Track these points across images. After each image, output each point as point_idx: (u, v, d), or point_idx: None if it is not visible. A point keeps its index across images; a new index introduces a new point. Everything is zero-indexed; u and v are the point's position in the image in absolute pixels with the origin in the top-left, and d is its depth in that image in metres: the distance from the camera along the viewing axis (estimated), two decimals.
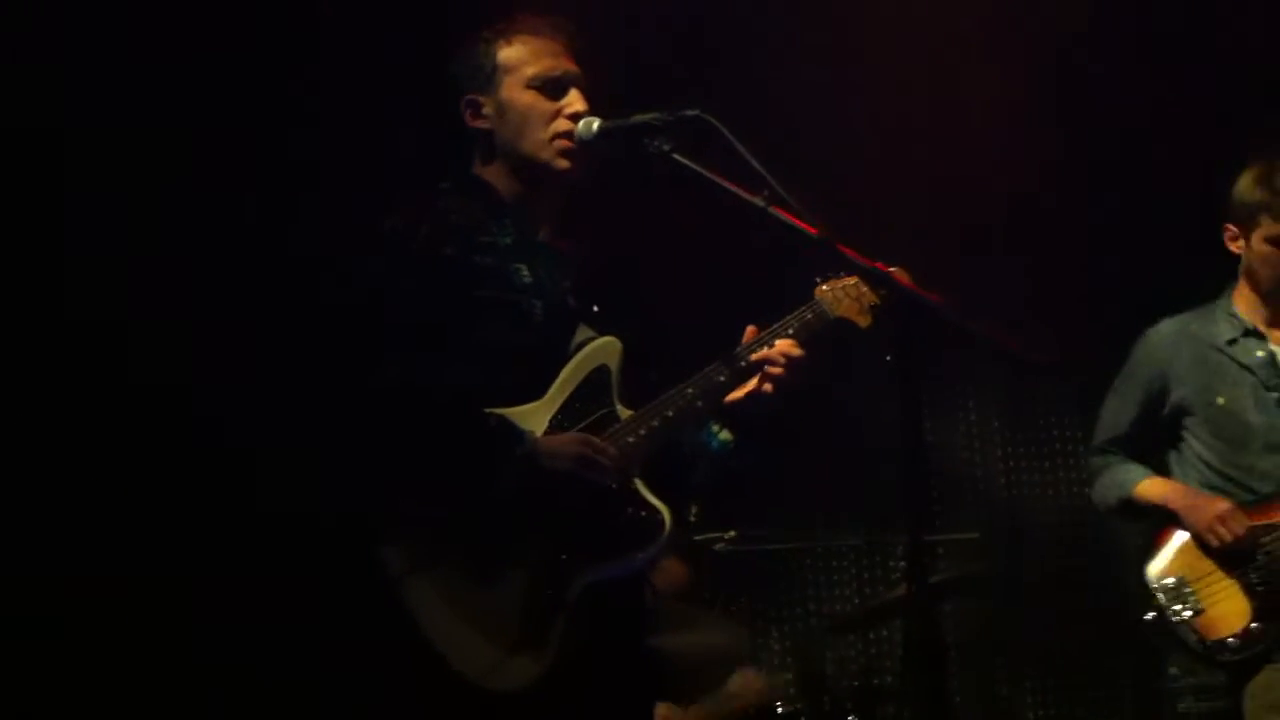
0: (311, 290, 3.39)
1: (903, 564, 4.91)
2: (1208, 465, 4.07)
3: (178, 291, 4.25)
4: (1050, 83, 5.52)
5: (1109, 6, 5.35)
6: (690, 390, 2.78)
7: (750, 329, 2.88)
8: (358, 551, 2.63)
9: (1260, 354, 4.06)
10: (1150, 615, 3.94)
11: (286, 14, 4.41)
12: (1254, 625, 3.83)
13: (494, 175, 2.90)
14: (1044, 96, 5.55)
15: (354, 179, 4.35)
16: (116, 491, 4.13)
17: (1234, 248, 4.08)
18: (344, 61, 4.52)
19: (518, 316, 2.76)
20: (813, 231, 2.53)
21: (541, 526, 2.61)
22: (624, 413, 2.78)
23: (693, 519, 4.57)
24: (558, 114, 2.84)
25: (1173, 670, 4.24)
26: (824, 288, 2.94)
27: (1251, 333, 4.08)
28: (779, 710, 4.89)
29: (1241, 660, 3.83)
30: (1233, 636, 3.83)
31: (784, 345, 2.84)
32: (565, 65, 2.87)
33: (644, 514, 2.69)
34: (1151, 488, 4.11)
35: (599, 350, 2.81)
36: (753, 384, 2.84)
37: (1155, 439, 4.18)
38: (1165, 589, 3.93)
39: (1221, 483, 4.03)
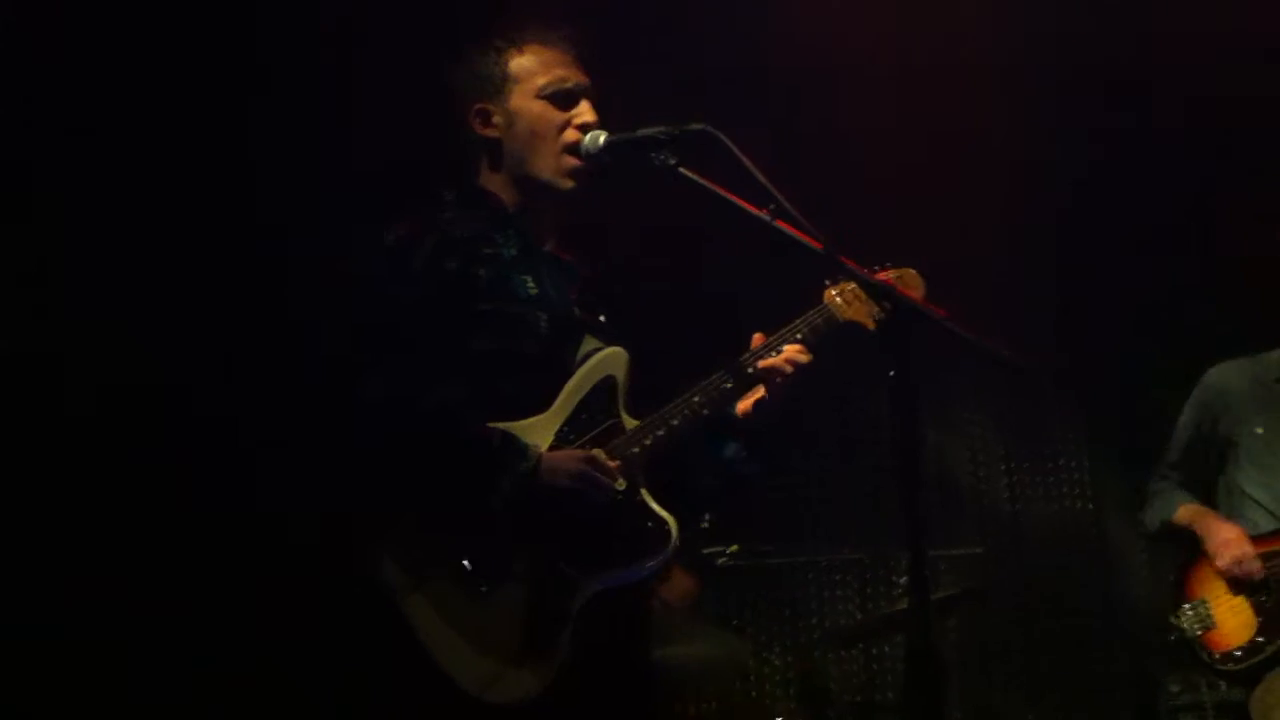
0: (314, 304, 3.39)
1: (904, 579, 4.89)
2: (1244, 492, 4.28)
3: (178, 301, 4.25)
4: (1050, 85, 5.53)
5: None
6: (697, 399, 2.77)
7: (758, 335, 2.86)
8: (358, 563, 2.62)
9: None
10: (1172, 635, 4.20)
11: (290, 21, 4.41)
12: (1258, 639, 4.06)
13: (499, 185, 2.90)
14: (1045, 100, 5.56)
15: (357, 190, 4.35)
16: (112, 503, 4.12)
17: None
18: (348, 70, 4.52)
19: (523, 328, 2.75)
20: (817, 245, 2.54)
21: (544, 540, 2.60)
22: (630, 423, 2.77)
23: (705, 526, 4.56)
24: (567, 125, 2.84)
25: (1173, 687, 4.40)
26: (833, 291, 2.92)
27: None
28: None
29: (1243, 670, 4.08)
30: (1239, 649, 4.07)
31: (792, 351, 2.82)
32: (576, 77, 2.88)
33: (650, 524, 2.69)
34: (1185, 513, 4.35)
35: (605, 361, 2.80)
36: (760, 391, 2.83)
37: (1209, 467, 4.41)
38: (1187, 610, 4.20)
39: (1252, 509, 4.25)
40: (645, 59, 4.79)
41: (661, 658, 2.98)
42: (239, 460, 4.23)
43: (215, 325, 4.26)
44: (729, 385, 2.80)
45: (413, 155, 4.10)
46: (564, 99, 2.86)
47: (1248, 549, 4.12)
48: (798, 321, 2.88)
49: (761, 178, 2.53)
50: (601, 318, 2.89)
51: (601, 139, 2.81)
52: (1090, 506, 6.10)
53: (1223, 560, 4.13)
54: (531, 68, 2.88)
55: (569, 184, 2.84)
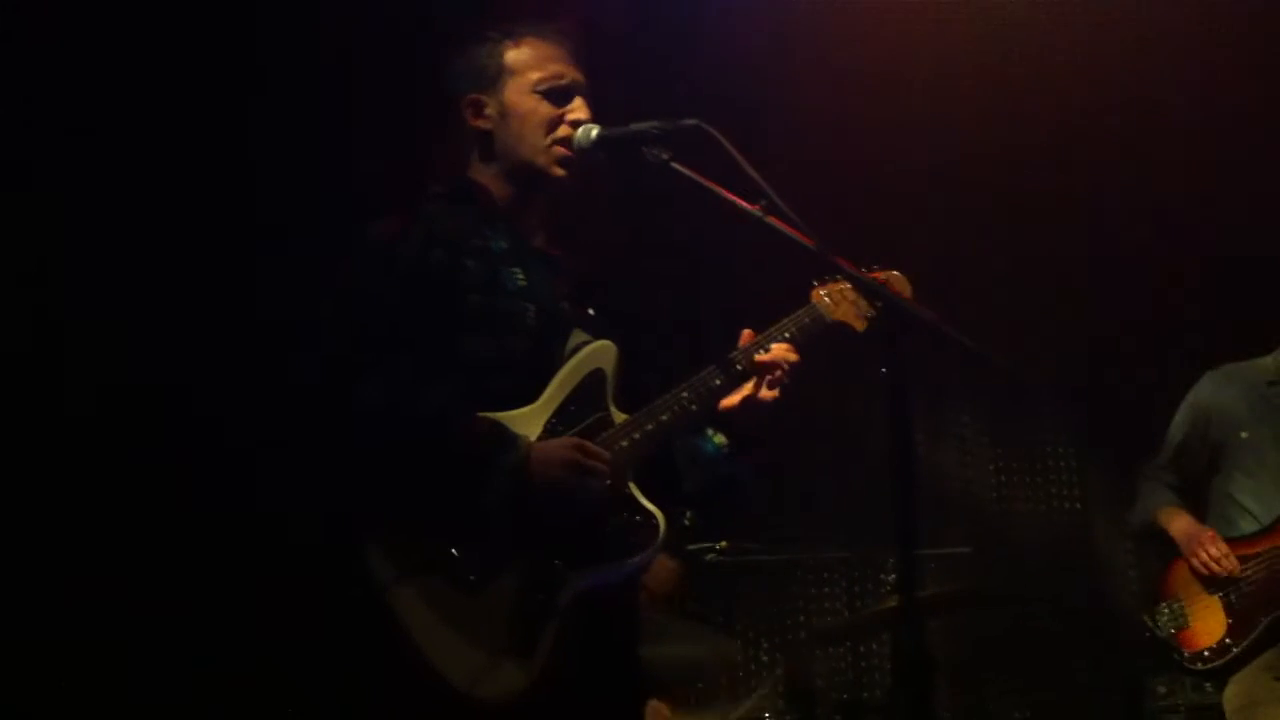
0: (298, 299, 3.38)
1: (892, 577, 4.90)
2: (1226, 495, 4.36)
3: (177, 301, 4.24)
4: (1051, 89, 5.54)
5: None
6: (686, 394, 2.77)
7: (746, 333, 2.87)
8: (345, 557, 2.61)
9: None
10: (1147, 633, 4.29)
11: (283, 20, 4.40)
12: (1226, 640, 4.14)
13: (489, 178, 2.89)
14: (1044, 108, 5.57)
15: (344, 184, 4.34)
16: (111, 503, 4.11)
17: None
18: (337, 66, 4.51)
19: (512, 320, 2.75)
20: (809, 242, 2.54)
21: (533, 532, 2.59)
22: (619, 417, 2.77)
23: (687, 524, 4.56)
24: (560, 120, 2.84)
25: (1159, 688, 4.46)
26: (821, 291, 2.94)
27: None
28: None
29: (1213, 670, 4.17)
30: (1208, 649, 4.16)
31: (780, 350, 2.83)
32: (572, 73, 2.87)
33: (638, 519, 2.68)
34: (1165, 515, 4.42)
35: (594, 354, 2.79)
36: (749, 388, 2.83)
37: (1199, 471, 4.48)
38: (1162, 608, 4.28)
39: (1234, 512, 4.32)
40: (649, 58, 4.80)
41: (649, 655, 2.96)
42: (234, 460, 4.22)
43: (212, 325, 4.25)
44: (718, 382, 2.80)
45: (411, 154, 4.11)
46: (558, 95, 2.85)
47: (1220, 546, 4.18)
48: (786, 320, 2.89)
49: (753, 173, 2.53)
50: (590, 311, 2.88)
51: (594, 133, 2.80)
52: (1078, 507, 6.11)
53: (1196, 559, 4.20)
54: (527, 61, 2.87)
55: (560, 172, 2.84)
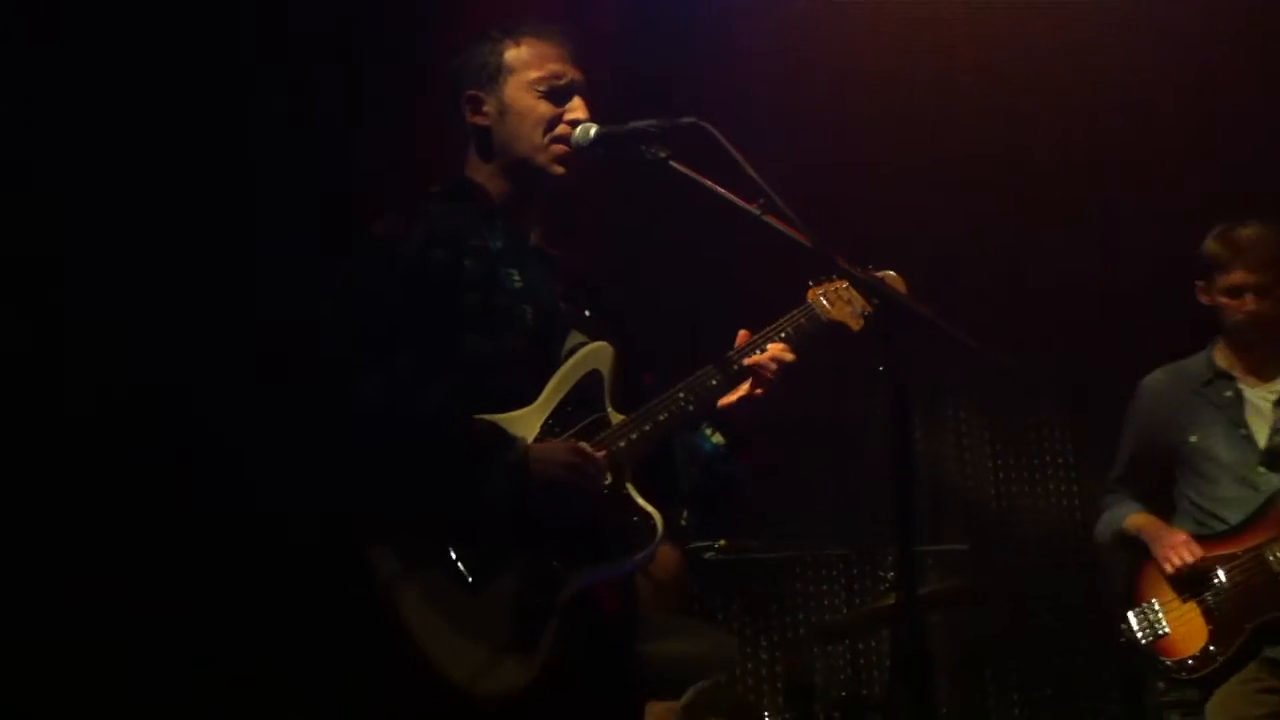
0: (297, 298, 3.38)
1: (891, 574, 4.90)
2: (1189, 500, 4.34)
3: (165, 298, 4.24)
4: (1051, 89, 5.55)
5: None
6: (682, 394, 2.78)
7: (743, 333, 2.88)
8: (346, 556, 2.61)
9: (1229, 394, 4.34)
10: (1122, 639, 4.26)
11: (285, 19, 4.40)
12: (1210, 648, 4.09)
13: (487, 176, 2.90)
14: (1045, 105, 5.57)
15: (343, 183, 4.34)
16: (100, 495, 4.11)
17: (1203, 300, 4.40)
18: (335, 64, 4.51)
19: (509, 320, 2.75)
20: (806, 240, 2.54)
21: (532, 532, 2.60)
22: (616, 417, 2.77)
23: (683, 523, 4.57)
24: (559, 119, 2.84)
25: (1160, 684, 4.43)
26: (817, 291, 2.95)
27: (1222, 375, 4.37)
28: (766, 718, 4.90)
29: (1200, 678, 4.11)
30: (1191, 657, 4.11)
31: (776, 349, 2.84)
32: (571, 73, 2.88)
33: (636, 518, 2.69)
34: (1133, 521, 4.41)
35: (591, 355, 2.80)
36: (745, 388, 2.84)
37: (1159, 478, 4.47)
38: (1137, 613, 4.25)
39: (1201, 515, 4.30)
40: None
41: (647, 653, 2.97)
42: (235, 459, 4.22)
43: (212, 325, 4.25)
44: (714, 382, 2.81)
45: (410, 153, 4.12)
46: (557, 94, 2.86)
47: (1195, 550, 4.15)
48: (782, 320, 2.90)
49: (752, 172, 2.54)
50: (587, 312, 2.89)
51: (592, 131, 2.81)
52: (1077, 504, 6.11)
53: (1171, 564, 4.16)
54: (527, 60, 2.88)
55: (559, 169, 2.85)
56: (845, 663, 5.77)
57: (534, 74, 2.86)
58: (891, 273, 2.90)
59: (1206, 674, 4.07)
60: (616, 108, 2.84)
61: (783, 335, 2.87)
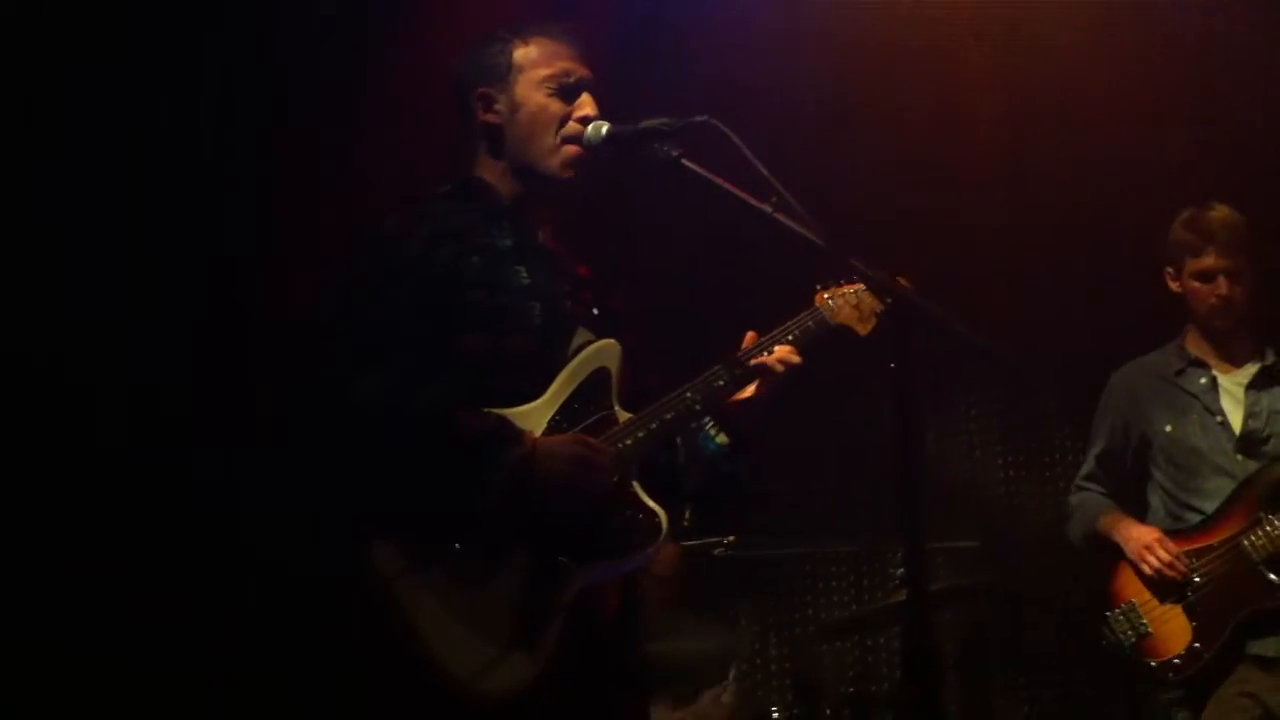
0: (302, 296, 3.38)
1: (900, 571, 4.91)
2: (1166, 492, 4.29)
3: (165, 298, 4.24)
4: (1053, 90, 5.54)
5: None
6: (689, 394, 2.78)
7: (750, 334, 2.89)
8: (349, 552, 2.62)
9: (1203, 380, 4.29)
10: (1104, 642, 4.18)
11: (291, 20, 4.40)
12: (1195, 645, 4.01)
13: (497, 175, 2.90)
14: (1046, 109, 5.57)
15: (352, 179, 4.34)
16: (99, 495, 4.11)
17: (1173, 287, 4.35)
18: (340, 61, 4.51)
19: (516, 317, 2.75)
20: (818, 240, 2.54)
21: (537, 527, 2.60)
22: (622, 415, 2.78)
23: (685, 522, 4.58)
24: (569, 117, 2.84)
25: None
26: (824, 295, 2.96)
27: (1195, 363, 4.32)
28: (774, 716, 4.90)
29: (1188, 679, 4.03)
30: (1176, 657, 4.03)
31: (783, 352, 2.85)
32: (580, 70, 2.88)
33: (641, 516, 2.69)
34: (1105, 521, 4.34)
35: (598, 353, 2.80)
36: (751, 389, 2.85)
37: (1132, 473, 4.42)
38: (1116, 615, 4.17)
39: (1177, 508, 4.24)
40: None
41: (653, 651, 2.98)
42: (238, 457, 4.22)
43: (213, 324, 4.26)
44: (721, 382, 2.81)
45: (415, 151, 4.11)
46: (567, 92, 2.86)
47: (1169, 548, 4.09)
48: (789, 323, 2.91)
49: (764, 171, 2.54)
50: (595, 310, 2.90)
51: (604, 130, 2.81)
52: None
53: (1147, 564, 4.10)
54: (536, 58, 2.88)
55: (569, 174, 2.85)
56: (854, 659, 5.77)
57: (544, 72, 2.86)
58: (899, 277, 2.91)
59: (1195, 673, 4.00)
60: (619, 107, 2.85)
61: (790, 338, 2.88)
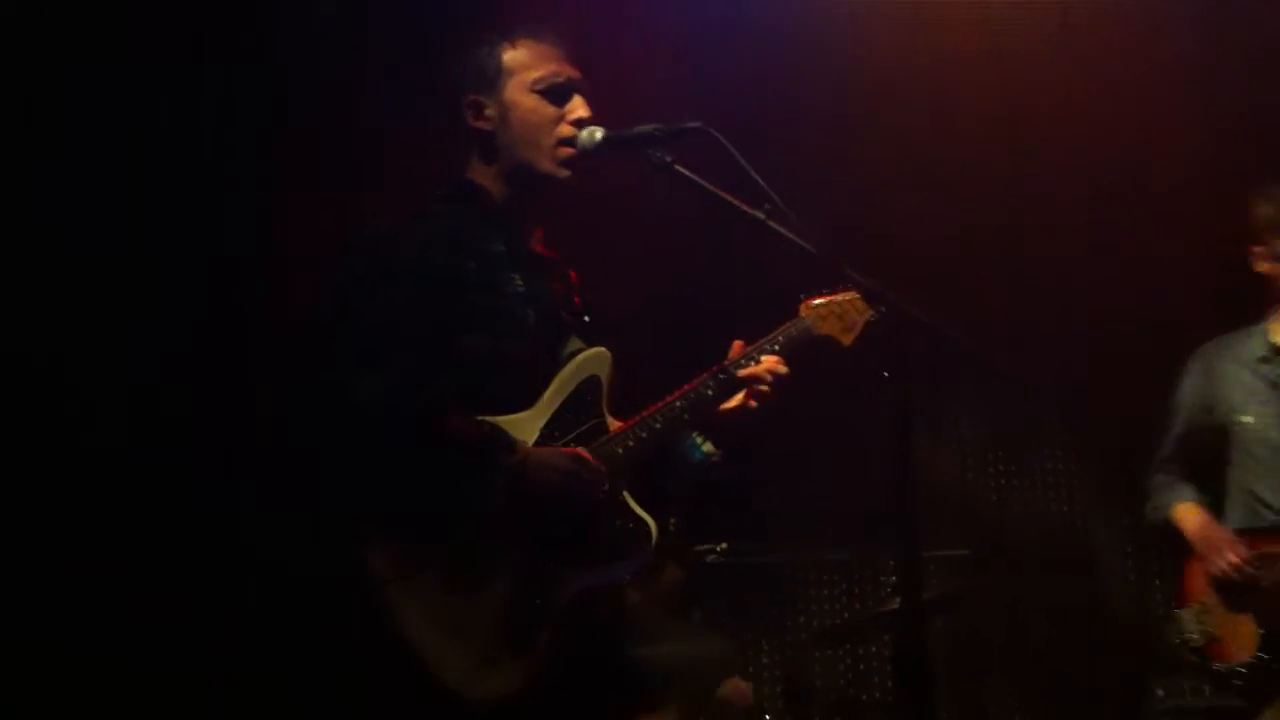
0: (299, 299, 3.37)
1: (892, 579, 4.91)
2: (1241, 485, 4.11)
3: (166, 298, 4.23)
4: (1054, 89, 5.55)
5: None
6: (679, 404, 2.80)
7: (737, 344, 2.90)
8: (343, 556, 2.62)
9: None
10: (1176, 639, 4.01)
11: (292, 20, 4.40)
12: (1262, 655, 3.86)
13: (490, 179, 2.90)
14: (1046, 110, 5.57)
15: (346, 184, 4.34)
16: (98, 495, 4.10)
17: (1263, 269, 4.13)
18: (337, 65, 4.51)
19: (510, 323, 2.76)
20: (811, 247, 2.54)
21: (528, 535, 2.61)
22: (613, 424, 2.79)
23: (670, 529, 4.57)
24: (561, 119, 2.85)
25: (1159, 691, 4.32)
26: (810, 304, 2.97)
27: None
28: None
29: (1252, 690, 3.89)
30: (1243, 665, 3.89)
31: (771, 362, 2.86)
32: (569, 71, 2.89)
33: (631, 525, 2.70)
34: (1180, 513, 4.17)
35: (590, 361, 2.82)
36: (739, 399, 2.86)
37: (1208, 456, 4.23)
38: (1189, 614, 4.01)
39: (1252, 503, 4.07)
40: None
41: (644, 657, 2.98)
42: (234, 459, 4.22)
43: (212, 325, 4.25)
44: (710, 392, 2.83)
45: (411, 155, 4.11)
46: (557, 93, 2.87)
47: (1240, 551, 3.94)
48: (774, 333, 2.92)
49: (757, 177, 2.54)
50: (585, 317, 2.90)
51: (599, 135, 2.81)
52: (1077, 509, 6.10)
53: (1218, 567, 3.95)
54: (525, 61, 2.88)
55: (565, 173, 2.85)
56: (846, 667, 5.77)
57: (533, 74, 2.87)
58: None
59: (1259, 685, 3.86)
60: (615, 112, 2.85)
61: (776, 348, 2.89)
